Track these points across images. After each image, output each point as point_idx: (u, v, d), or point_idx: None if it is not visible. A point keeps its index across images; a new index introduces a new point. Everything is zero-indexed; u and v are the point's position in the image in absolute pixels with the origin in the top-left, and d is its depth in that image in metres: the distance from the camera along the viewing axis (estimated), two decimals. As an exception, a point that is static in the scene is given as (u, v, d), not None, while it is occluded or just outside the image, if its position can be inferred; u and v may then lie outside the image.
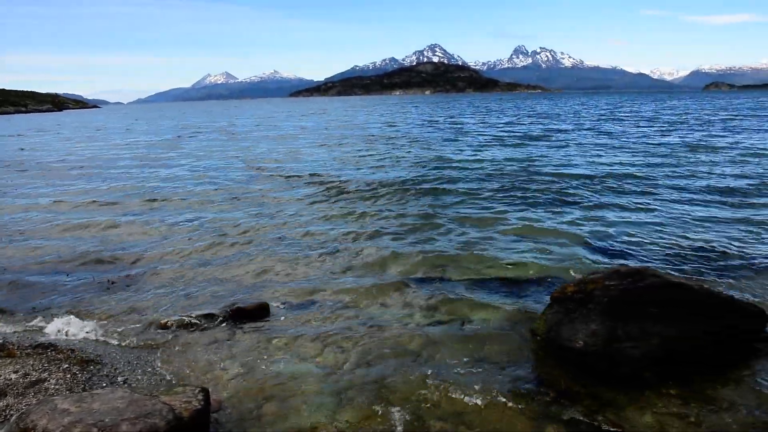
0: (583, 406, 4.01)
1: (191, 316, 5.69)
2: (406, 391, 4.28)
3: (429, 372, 4.54)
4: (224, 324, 5.63)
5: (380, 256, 7.75)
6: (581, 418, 3.87)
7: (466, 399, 4.15)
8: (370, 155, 19.58)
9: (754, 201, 10.63)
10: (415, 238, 8.57)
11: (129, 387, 4.22)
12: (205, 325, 5.61)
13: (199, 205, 11.62)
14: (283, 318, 5.83)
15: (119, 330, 5.57)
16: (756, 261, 7.07)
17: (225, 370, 4.69)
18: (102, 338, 5.41)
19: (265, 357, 4.93)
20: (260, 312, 5.85)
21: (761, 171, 14.17)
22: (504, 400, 4.13)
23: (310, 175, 15.04)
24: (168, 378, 4.58)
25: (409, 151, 20.62)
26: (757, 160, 16.25)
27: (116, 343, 5.32)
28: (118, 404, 3.23)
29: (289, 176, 15.10)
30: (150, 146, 27.11)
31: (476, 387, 4.29)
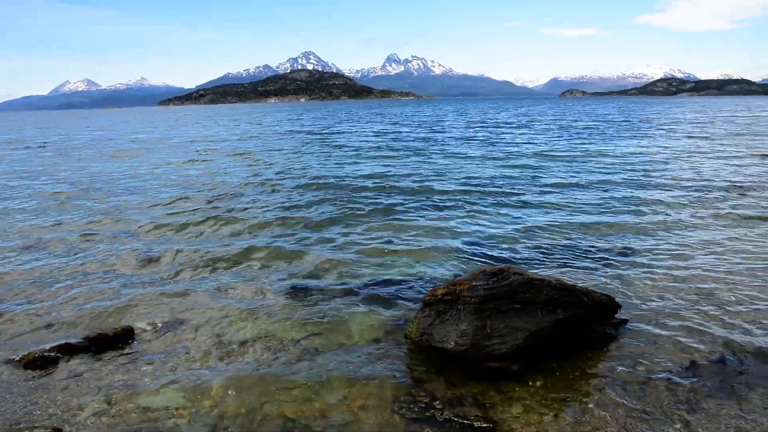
0: (457, 406, 4.23)
1: (45, 350, 5.12)
2: (282, 412, 4.21)
3: (307, 387, 4.51)
4: (83, 354, 5.15)
5: (252, 269, 7.61)
6: (455, 418, 4.06)
7: (344, 410, 4.19)
8: (240, 167, 19.06)
9: (609, 200, 11.95)
10: (288, 249, 8.48)
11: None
12: (62, 356, 5.08)
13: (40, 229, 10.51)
14: (149, 342, 5.48)
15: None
16: (607, 254, 7.94)
17: (83, 407, 4.29)
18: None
19: (130, 387, 4.59)
20: (124, 337, 5.45)
21: (612, 173, 16.00)
22: (381, 407, 4.22)
23: (169, 193, 14.27)
24: (18, 419, 4.07)
25: (287, 162, 20.43)
26: (611, 160, 18.39)
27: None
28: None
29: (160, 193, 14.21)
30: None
31: (353, 396, 4.35)
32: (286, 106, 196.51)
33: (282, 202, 11.99)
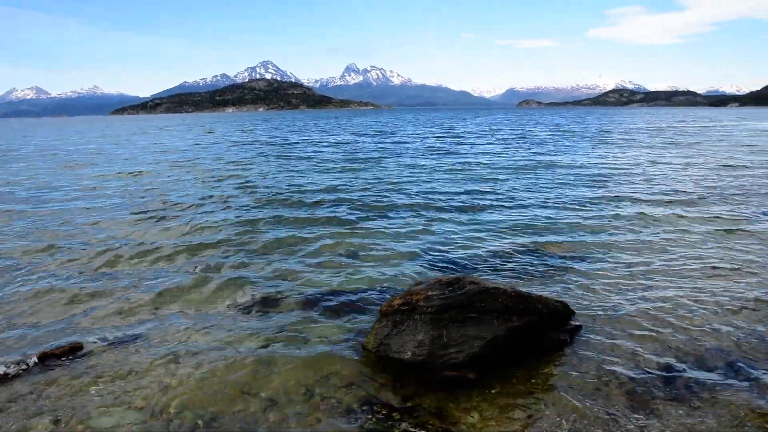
0: (414, 416, 4.25)
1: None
2: (239, 425, 4.16)
3: (264, 403, 4.46)
4: (28, 374, 4.93)
5: (207, 281, 7.47)
6: (413, 428, 4.09)
7: (301, 423, 4.16)
8: (193, 178, 18.71)
9: (565, 209, 12.29)
10: (243, 261, 8.37)
11: None
12: (4, 377, 4.86)
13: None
14: (99, 358, 5.30)
15: None
16: (562, 262, 8.16)
17: (29, 430, 4.10)
18: None
19: (79, 407, 4.42)
20: (72, 354, 5.27)
21: (567, 183, 16.46)
22: (338, 419, 4.20)
23: (118, 205, 13.88)
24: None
25: (235, 174, 20.16)
26: (566, 170, 18.90)
27: None
28: None
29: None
30: None
31: (310, 409, 4.33)
32: (244, 116, 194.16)
33: (236, 215, 11.82)
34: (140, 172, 20.53)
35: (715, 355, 5.14)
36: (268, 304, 6.61)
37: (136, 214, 12.12)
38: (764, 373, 4.77)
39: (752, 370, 4.84)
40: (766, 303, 6.26)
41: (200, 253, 8.87)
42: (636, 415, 4.20)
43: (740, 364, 4.97)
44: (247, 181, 17.32)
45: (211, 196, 14.34)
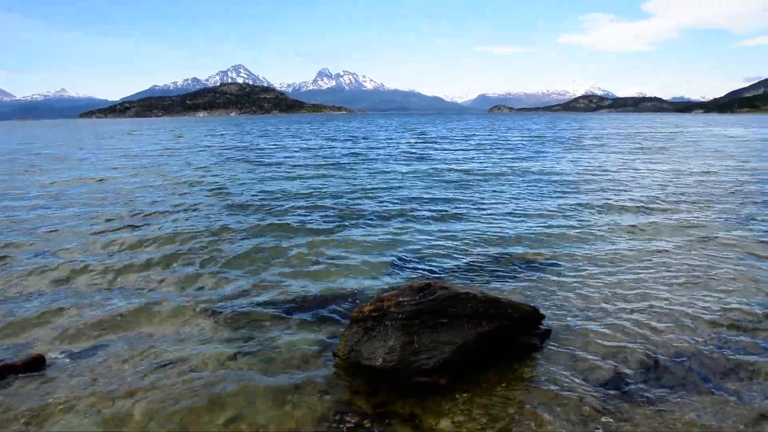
0: (386, 423, 4.25)
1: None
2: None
3: (234, 413, 4.40)
4: None
5: (175, 290, 7.37)
6: (383, 436, 4.07)
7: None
8: (161, 184, 18.41)
9: (535, 214, 12.49)
10: (213, 269, 8.26)
11: None
12: None
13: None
14: (63, 370, 5.16)
15: None
16: (532, 266, 8.27)
17: None
18: None
19: (42, 421, 4.30)
20: (34, 366, 5.11)
21: (538, 188, 16.71)
22: (310, 428, 4.18)
23: (83, 211, 13.56)
24: None
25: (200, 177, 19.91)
26: (537, 175, 19.18)
27: None
28: None
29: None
30: None
31: (281, 417, 4.30)
32: (215, 120, 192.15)
33: (205, 222, 11.66)
34: (106, 177, 20.10)
35: (677, 363, 5.21)
36: (238, 313, 6.52)
37: (100, 222, 11.86)
38: (714, 388, 4.83)
39: (708, 384, 4.87)
40: (734, 314, 6.36)
41: (168, 262, 8.71)
42: (604, 419, 4.27)
43: (699, 376, 5.00)
44: (217, 188, 17.10)
45: (179, 204, 14.11)
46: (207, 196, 15.45)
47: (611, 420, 4.26)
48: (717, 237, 9.89)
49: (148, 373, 5.10)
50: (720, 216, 11.78)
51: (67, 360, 5.39)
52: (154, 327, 6.19)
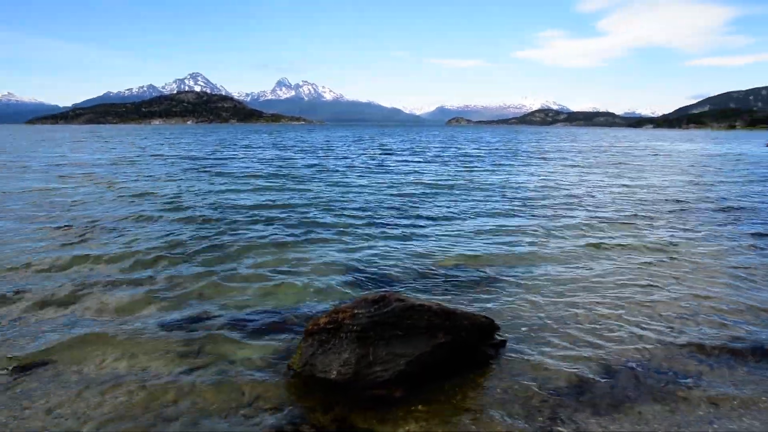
0: (340, 437, 4.21)
1: None
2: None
3: (186, 425, 4.32)
4: None
5: (124, 304, 7.15)
6: (338, 450, 4.05)
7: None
8: (110, 194, 17.88)
9: (492, 227, 12.70)
10: (163, 283, 8.05)
11: None
12: None
13: None
14: (4, 389, 4.92)
15: None
16: (488, 278, 8.39)
17: None
18: None
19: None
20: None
21: (495, 201, 17.01)
22: (261, 448, 4.11)
23: (25, 224, 13.04)
24: None
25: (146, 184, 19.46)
26: (494, 188, 19.53)
27: None
28: None
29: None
30: None
31: (232, 437, 4.20)
32: (171, 129, 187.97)
33: (156, 234, 11.36)
34: (52, 188, 19.35)
35: (629, 373, 5.36)
36: (191, 326, 6.38)
37: (45, 233, 11.42)
38: (663, 395, 5.00)
39: (658, 392, 5.04)
40: (684, 327, 6.55)
41: (118, 275, 8.45)
42: (559, 428, 4.35)
43: (649, 384, 5.15)
44: (171, 198, 16.71)
45: (131, 215, 13.71)
46: (160, 206, 15.07)
47: (564, 428, 4.35)
48: (673, 251, 10.16)
49: (95, 386, 4.94)
50: (675, 230, 12.17)
51: (9, 377, 5.15)
52: (101, 341, 5.96)
